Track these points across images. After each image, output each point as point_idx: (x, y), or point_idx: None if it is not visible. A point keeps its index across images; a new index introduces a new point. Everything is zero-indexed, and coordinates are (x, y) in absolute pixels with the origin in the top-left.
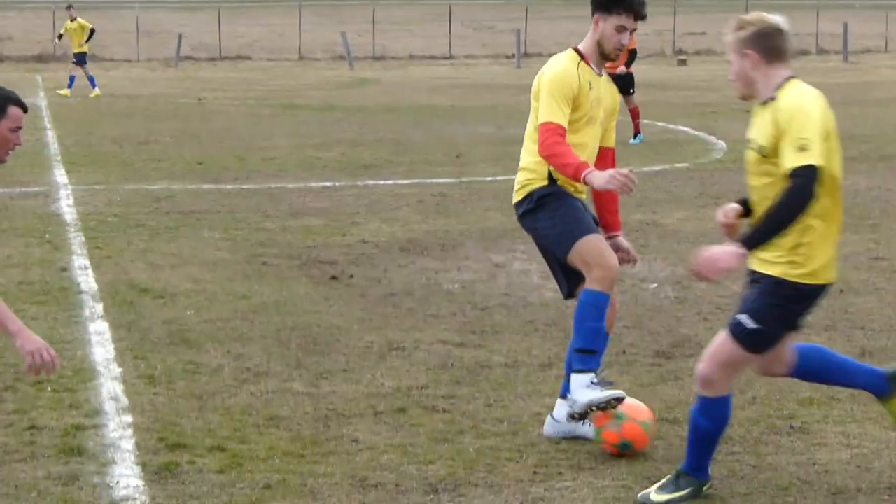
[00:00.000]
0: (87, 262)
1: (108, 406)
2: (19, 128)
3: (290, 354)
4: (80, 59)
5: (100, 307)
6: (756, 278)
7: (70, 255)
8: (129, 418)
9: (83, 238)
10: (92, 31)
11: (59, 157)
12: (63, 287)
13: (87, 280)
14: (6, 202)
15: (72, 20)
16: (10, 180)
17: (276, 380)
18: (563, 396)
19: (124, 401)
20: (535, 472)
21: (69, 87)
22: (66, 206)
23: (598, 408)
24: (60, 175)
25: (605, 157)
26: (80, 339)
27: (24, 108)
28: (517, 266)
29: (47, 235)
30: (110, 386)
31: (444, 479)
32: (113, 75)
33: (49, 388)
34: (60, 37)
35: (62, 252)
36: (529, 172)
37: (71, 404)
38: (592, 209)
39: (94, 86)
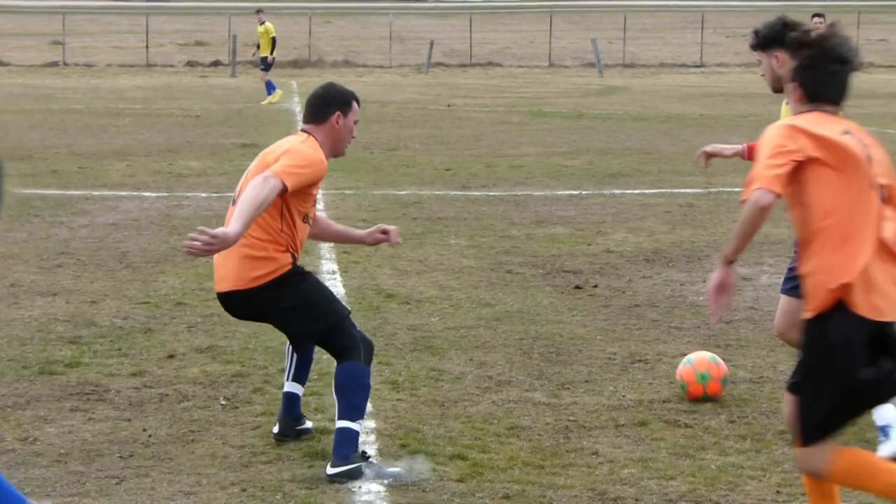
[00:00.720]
0: (335, 267)
1: None
2: (357, 121)
3: (532, 364)
4: (266, 64)
5: None
6: None
7: (319, 260)
8: (372, 423)
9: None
10: (273, 40)
11: None
12: None
13: (335, 284)
14: None
15: (260, 24)
16: None
17: (518, 389)
18: None
19: (368, 406)
20: (777, 492)
21: (269, 94)
22: (317, 211)
23: None
24: None
25: None
26: None
27: (359, 103)
28: (764, 280)
29: None
30: None
31: (685, 495)
32: (365, 80)
33: None
34: (258, 46)
35: (312, 256)
36: None
37: (316, 408)
38: None
39: (269, 92)
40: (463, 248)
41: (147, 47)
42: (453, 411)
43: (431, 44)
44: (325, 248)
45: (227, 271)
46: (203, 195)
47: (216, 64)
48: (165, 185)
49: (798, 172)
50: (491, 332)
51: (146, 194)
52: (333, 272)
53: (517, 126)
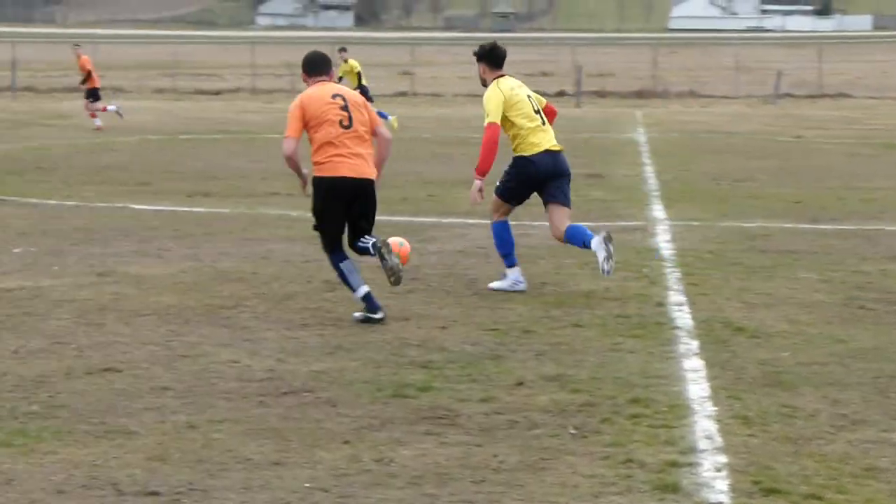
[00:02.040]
0: (682, 299)
1: (703, 444)
2: None
3: (889, 403)
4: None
5: (695, 344)
6: None
7: (666, 291)
8: (723, 458)
9: (679, 274)
10: (359, 74)
11: (656, 193)
12: (658, 322)
13: (682, 316)
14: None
15: (344, 62)
16: (609, 214)
17: (875, 429)
18: None
19: (718, 440)
20: None
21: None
22: (663, 242)
23: None
24: (658, 210)
25: None
26: (675, 375)
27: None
28: None
29: (644, 270)
30: (704, 424)
31: None
32: (711, 111)
33: (645, 423)
34: (340, 79)
35: (658, 287)
36: None
37: (666, 440)
38: None
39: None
40: (814, 282)
41: None
42: (807, 449)
43: (779, 74)
44: (672, 278)
45: (364, 166)
46: (548, 224)
47: (561, 94)
48: (512, 213)
49: None
50: (844, 368)
51: None
52: (681, 304)
53: (869, 158)
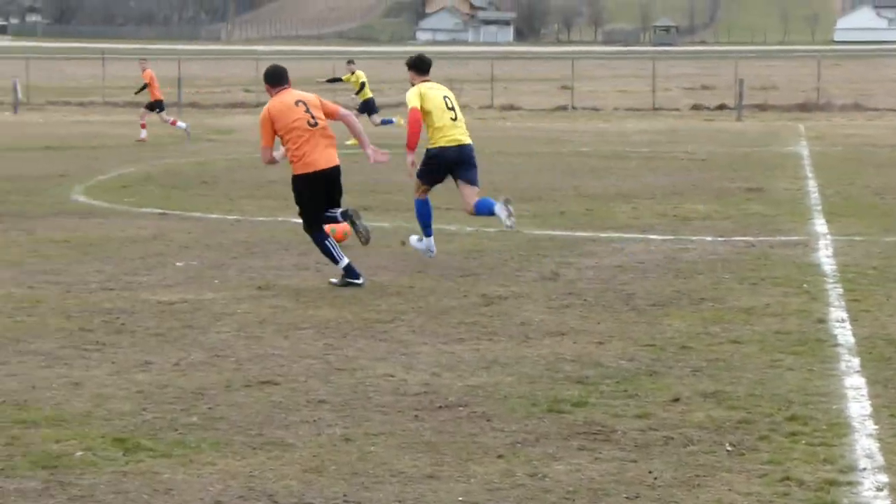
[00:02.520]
0: (844, 315)
1: (863, 463)
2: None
3: None
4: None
5: (856, 361)
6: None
7: (827, 307)
8: (884, 478)
9: (841, 290)
10: (363, 84)
11: (819, 207)
12: (819, 339)
13: (843, 333)
14: (766, 251)
15: (351, 73)
16: (771, 229)
17: None
18: None
19: (879, 459)
20: None
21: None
22: (825, 257)
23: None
24: (820, 225)
25: None
26: (836, 393)
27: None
28: None
29: (805, 286)
30: (865, 443)
31: None
32: (876, 124)
33: (804, 441)
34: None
35: (819, 303)
36: None
37: (825, 459)
38: None
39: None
40: None
41: (653, 91)
42: None
43: None
44: (835, 295)
45: (333, 155)
46: (708, 239)
47: (721, 107)
48: (671, 227)
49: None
50: None
51: (652, 237)
52: (842, 320)
53: None
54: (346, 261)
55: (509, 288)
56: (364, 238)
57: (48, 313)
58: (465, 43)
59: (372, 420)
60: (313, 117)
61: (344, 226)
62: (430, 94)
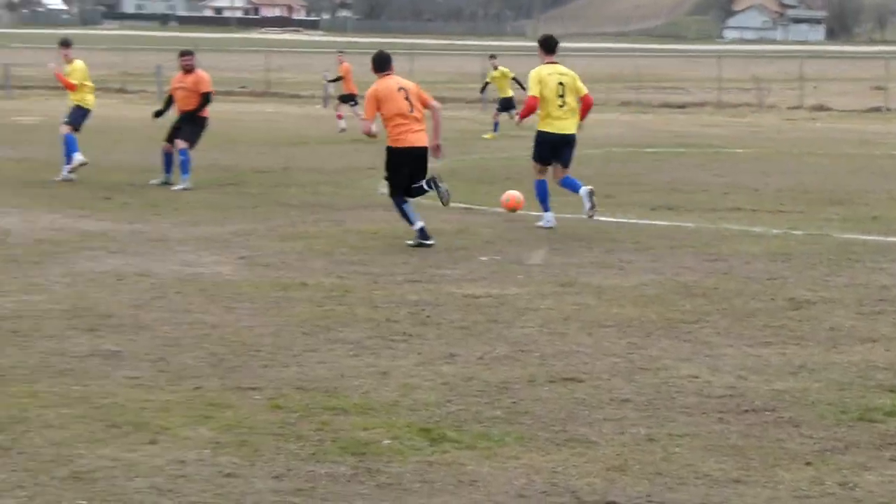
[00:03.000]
0: None
1: None
2: None
3: None
4: (505, 105)
5: None
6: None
7: None
8: None
9: None
10: (515, 79)
11: None
12: None
13: None
14: None
15: (494, 68)
16: None
17: None
18: None
19: None
20: None
21: (494, 130)
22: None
23: None
24: None
25: None
26: None
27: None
28: None
29: None
30: None
31: None
32: None
33: None
34: (486, 85)
35: None
36: None
37: None
38: None
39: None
40: None
41: None
42: None
43: None
44: None
45: (423, 138)
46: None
47: None
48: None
49: None
50: None
51: None
52: None
53: None
54: (419, 224)
55: (818, 292)
56: (445, 200)
57: (356, 303)
58: (774, 42)
59: (676, 421)
60: (411, 105)
61: (514, 197)
62: (549, 79)
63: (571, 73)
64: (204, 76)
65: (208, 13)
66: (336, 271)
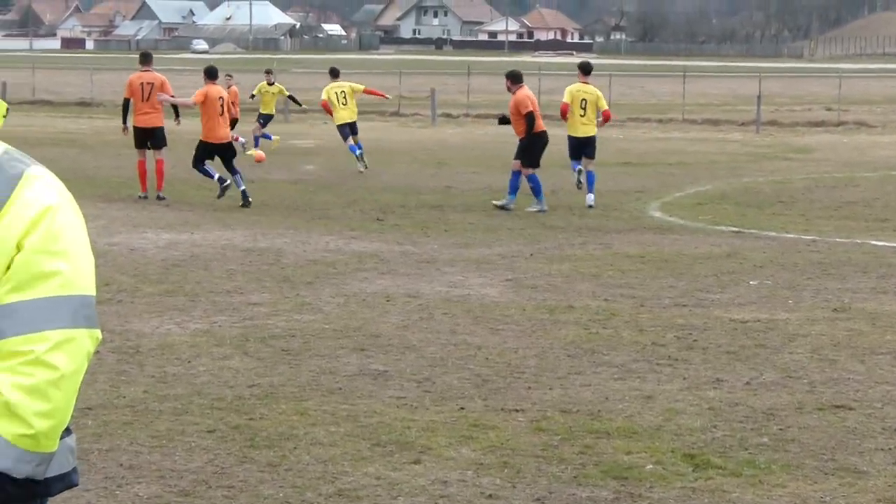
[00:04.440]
0: None
1: None
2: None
3: None
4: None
5: None
6: None
7: None
8: None
9: None
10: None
11: None
12: None
13: None
14: None
15: (269, 84)
16: None
17: None
18: None
19: None
20: None
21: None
22: None
23: None
24: None
25: None
26: None
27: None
28: None
29: None
30: None
31: None
32: None
33: None
34: (252, 96)
35: None
36: None
37: None
38: None
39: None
40: None
41: None
42: None
43: None
44: None
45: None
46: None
47: None
48: None
49: None
50: None
51: None
52: None
53: None
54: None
55: None
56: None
57: (622, 326)
58: None
59: None
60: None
61: None
62: (576, 94)
63: (596, 91)
64: (520, 97)
65: (483, 37)
66: (602, 294)
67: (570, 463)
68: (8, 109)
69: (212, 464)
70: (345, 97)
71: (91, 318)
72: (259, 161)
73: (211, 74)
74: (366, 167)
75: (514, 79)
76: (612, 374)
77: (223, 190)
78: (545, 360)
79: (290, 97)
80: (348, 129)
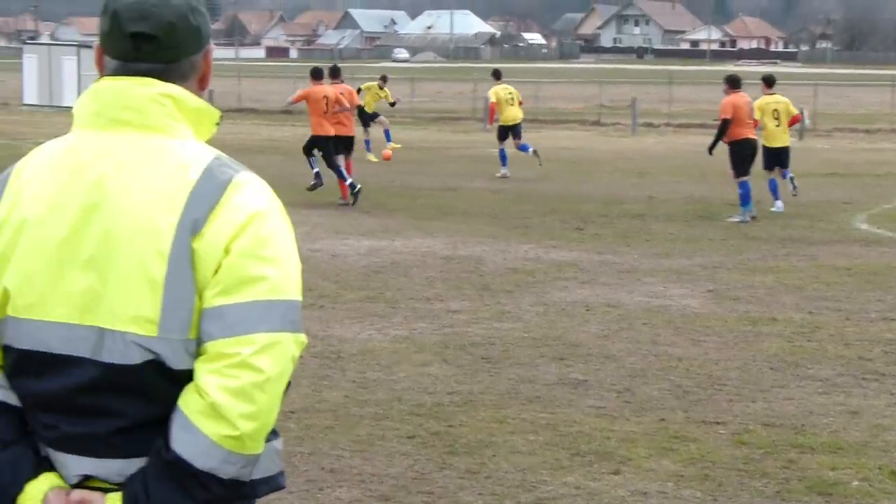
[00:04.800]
0: None
1: None
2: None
3: None
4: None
5: None
6: None
7: None
8: None
9: None
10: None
11: None
12: None
13: None
14: None
15: (380, 88)
16: None
17: None
18: None
19: None
20: None
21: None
22: None
23: None
24: None
25: None
26: None
27: None
28: None
29: None
30: None
31: None
32: None
33: None
34: (359, 90)
35: None
36: None
37: None
38: None
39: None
40: None
41: None
42: None
43: None
44: None
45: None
46: None
47: None
48: None
49: None
50: None
51: None
52: None
53: None
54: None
55: None
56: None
57: (826, 340)
58: None
59: None
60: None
61: None
62: (766, 107)
63: (784, 99)
64: (724, 103)
65: (684, 46)
66: (807, 307)
67: (772, 477)
68: (221, 117)
69: (411, 469)
70: (512, 98)
71: (296, 323)
72: (387, 159)
73: (316, 75)
74: (540, 163)
75: (730, 83)
76: (816, 388)
77: (355, 196)
78: (747, 373)
79: (392, 104)
80: (509, 132)
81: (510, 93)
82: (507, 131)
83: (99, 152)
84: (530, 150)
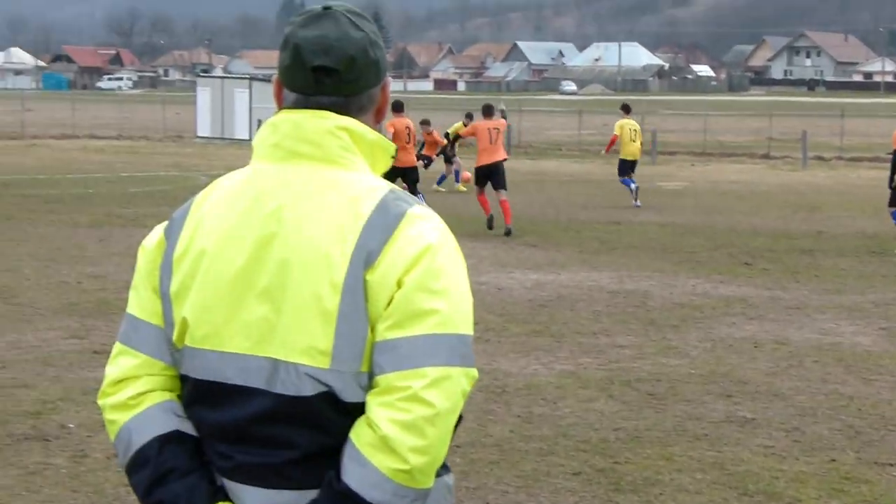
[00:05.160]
0: None
1: None
2: None
3: None
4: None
5: None
6: None
7: None
8: None
9: None
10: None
11: None
12: None
13: None
14: None
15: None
16: None
17: None
18: None
19: None
20: None
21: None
22: None
23: None
24: None
25: None
26: None
27: None
28: None
29: None
30: None
31: None
32: None
33: None
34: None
35: None
36: None
37: None
38: None
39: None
40: None
41: None
42: None
43: None
44: None
45: None
46: None
47: None
48: None
49: None
50: None
51: None
52: None
53: None
54: None
55: None
56: None
57: None
58: None
59: None
60: None
61: None
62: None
63: None
64: None
65: (857, 78)
66: None
67: None
68: (398, 150)
69: None
70: (636, 134)
71: (467, 357)
72: (466, 181)
73: (397, 108)
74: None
75: None
76: None
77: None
78: None
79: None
80: (630, 167)
81: (634, 129)
82: (630, 165)
83: (276, 184)
84: (633, 186)
